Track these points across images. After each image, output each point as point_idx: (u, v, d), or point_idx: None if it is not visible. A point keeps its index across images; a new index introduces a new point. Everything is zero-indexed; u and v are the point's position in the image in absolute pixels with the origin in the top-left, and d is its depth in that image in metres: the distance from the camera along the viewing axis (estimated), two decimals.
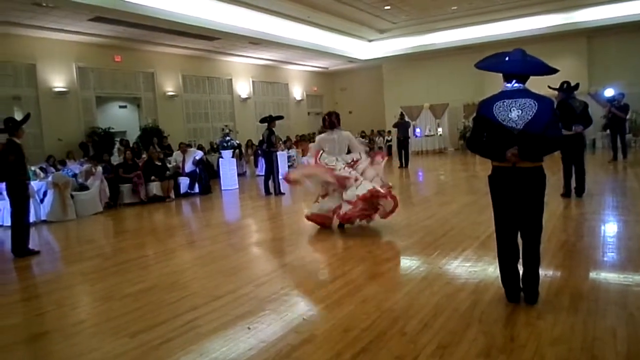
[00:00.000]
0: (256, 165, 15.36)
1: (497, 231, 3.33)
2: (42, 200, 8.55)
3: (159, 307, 3.73)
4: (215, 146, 14.95)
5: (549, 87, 7.21)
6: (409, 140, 15.79)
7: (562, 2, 15.67)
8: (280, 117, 11.28)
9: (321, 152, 6.08)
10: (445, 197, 8.78)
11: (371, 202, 5.68)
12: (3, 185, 6.61)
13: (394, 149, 18.20)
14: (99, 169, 9.82)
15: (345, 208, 5.70)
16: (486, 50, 4.83)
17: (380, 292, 3.74)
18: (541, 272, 3.29)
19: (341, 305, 3.47)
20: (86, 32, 12.34)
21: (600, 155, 14.11)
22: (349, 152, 6.20)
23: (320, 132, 7.45)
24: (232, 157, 12.61)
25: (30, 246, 6.08)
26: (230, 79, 18.02)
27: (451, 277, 4.00)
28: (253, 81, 19.08)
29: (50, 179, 8.74)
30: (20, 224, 5.98)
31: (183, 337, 3.12)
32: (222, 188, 11.84)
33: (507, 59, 3.24)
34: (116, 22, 11.53)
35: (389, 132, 20.34)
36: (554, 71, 3.23)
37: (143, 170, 10.48)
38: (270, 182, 10.23)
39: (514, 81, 3.18)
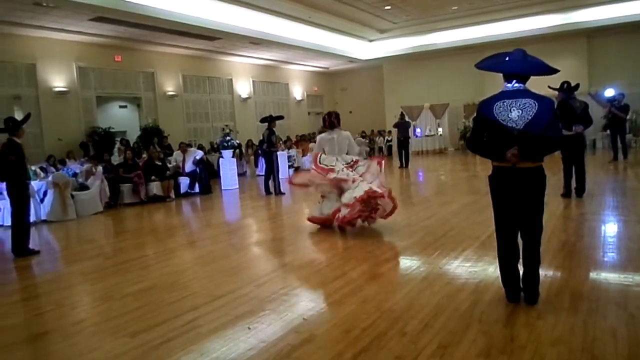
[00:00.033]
0: (256, 165, 15.36)
1: (497, 231, 3.33)
2: (42, 200, 8.55)
3: (159, 307, 3.73)
4: (215, 146, 14.95)
5: (549, 87, 7.22)
6: (410, 140, 15.80)
7: (562, 2, 15.66)
8: (280, 117, 11.28)
9: (321, 153, 6.09)
10: (446, 197, 8.78)
11: (369, 202, 5.66)
12: (3, 185, 6.61)
13: (394, 149, 18.21)
14: (99, 168, 9.82)
15: (344, 212, 5.67)
16: (486, 51, 4.85)
17: (381, 292, 3.74)
18: (541, 272, 3.29)
19: (341, 305, 3.47)
20: (87, 32, 12.35)
21: (600, 156, 14.11)
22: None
23: (320, 132, 7.46)
24: (233, 157, 12.62)
25: (31, 246, 6.08)
26: (231, 79, 18.02)
27: (451, 277, 4.00)
28: (253, 81, 19.09)
29: (50, 178, 8.74)
30: (20, 224, 5.99)
31: (183, 337, 3.12)
32: (223, 188, 11.84)
33: (507, 59, 3.24)
34: (117, 22, 11.54)
35: (389, 132, 20.35)
36: (554, 71, 3.23)
37: (143, 170, 10.48)
38: (271, 182, 10.23)
39: (515, 81, 3.18)
